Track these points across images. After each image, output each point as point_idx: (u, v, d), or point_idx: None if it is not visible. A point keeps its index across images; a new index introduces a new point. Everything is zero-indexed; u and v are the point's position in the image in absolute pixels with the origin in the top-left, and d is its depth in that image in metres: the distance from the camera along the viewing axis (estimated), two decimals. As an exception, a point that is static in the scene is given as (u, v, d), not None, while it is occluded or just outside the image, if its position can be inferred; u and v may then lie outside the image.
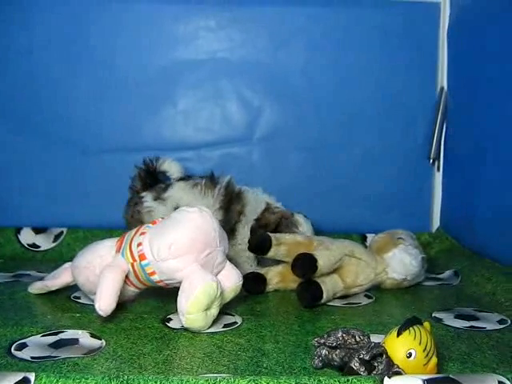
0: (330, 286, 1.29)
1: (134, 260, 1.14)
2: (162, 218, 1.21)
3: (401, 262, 1.39)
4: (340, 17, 1.87)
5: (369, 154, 1.90)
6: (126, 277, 1.15)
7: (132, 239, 1.16)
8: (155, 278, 1.13)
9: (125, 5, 1.84)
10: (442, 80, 1.89)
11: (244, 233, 1.49)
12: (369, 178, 1.90)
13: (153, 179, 1.60)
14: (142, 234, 1.16)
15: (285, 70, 1.88)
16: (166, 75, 1.87)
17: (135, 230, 1.20)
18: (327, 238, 1.40)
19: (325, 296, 1.26)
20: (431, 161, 1.90)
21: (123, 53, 1.86)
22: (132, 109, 1.88)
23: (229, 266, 1.19)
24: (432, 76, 1.89)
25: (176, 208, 1.41)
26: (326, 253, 1.30)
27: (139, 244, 1.14)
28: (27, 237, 1.80)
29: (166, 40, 1.88)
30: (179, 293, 1.08)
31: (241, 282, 1.19)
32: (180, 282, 1.10)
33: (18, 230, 1.80)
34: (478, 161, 1.64)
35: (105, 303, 1.08)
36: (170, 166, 1.62)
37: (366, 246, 1.61)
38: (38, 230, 1.82)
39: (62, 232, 1.82)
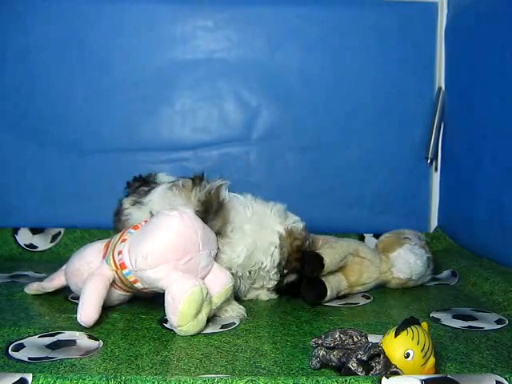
0: (333, 283, 1.30)
1: (117, 268, 1.13)
2: (146, 222, 1.18)
3: (406, 261, 1.39)
4: (337, 17, 1.87)
5: (366, 154, 1.90)
6: (114, 282, 1.15)
7: (115, 246, 1.16)
8: (138, 285, 1.13)
9: (122, 5, 1.84)
10: (440, 80, 1.89)
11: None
12: (366, 178, 1.91)
13: (144, 184, 1.41)
14: (123, 240, 1.15)
15: (282, 70, 1.89)
16: (164, 75, 1.87)
17: (119, 235, 1.19)
18: (331, 237, 1.41)
19: (329, 293, 1.27)
20: (429, 161, 1.91)
21: (121, 53, 1.86)
22: (129, 109, 1.88)
23: (216, 268, 1.14)
24: (429, 76, 1.90)
25: (151, 213, 1.27)
26: (331, 251, 1.30)
27: (120, 252, 1.13)
28: (24, 237, 1.79)
29: (163, 40, 1.88)
30: (165, 306, 1.07)
31: (231, 284, 1.14)
32: (164, 290, 1.08)
33: (16, 231, 1.80)
34: (475, 160, 1.64)
35: (86, 314, 1.08)
36: (161, 179, 1.46)
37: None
38: (35, 231, 1.81)
39: (59, 232, 1.81)
